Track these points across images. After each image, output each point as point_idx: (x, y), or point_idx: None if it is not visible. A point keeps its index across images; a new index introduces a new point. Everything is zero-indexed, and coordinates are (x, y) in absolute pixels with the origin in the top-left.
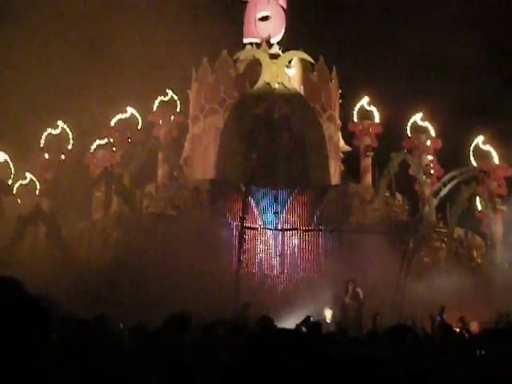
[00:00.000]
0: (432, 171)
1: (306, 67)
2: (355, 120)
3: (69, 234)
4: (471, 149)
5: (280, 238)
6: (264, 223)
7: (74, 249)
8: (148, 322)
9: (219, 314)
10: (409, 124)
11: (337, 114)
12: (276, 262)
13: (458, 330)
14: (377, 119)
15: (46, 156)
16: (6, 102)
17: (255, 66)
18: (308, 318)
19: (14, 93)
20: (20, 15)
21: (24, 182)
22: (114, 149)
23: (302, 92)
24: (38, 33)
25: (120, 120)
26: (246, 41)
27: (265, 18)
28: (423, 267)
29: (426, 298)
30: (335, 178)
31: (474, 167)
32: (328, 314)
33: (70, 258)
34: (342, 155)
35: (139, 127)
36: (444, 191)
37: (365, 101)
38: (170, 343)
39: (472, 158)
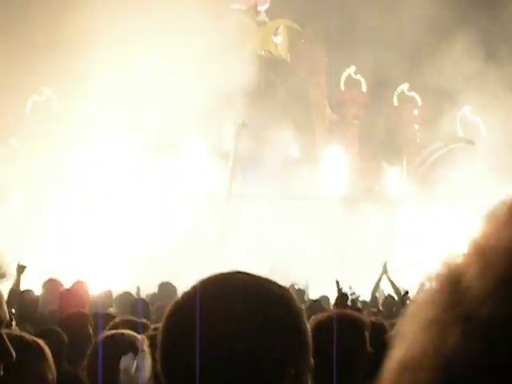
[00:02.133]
0: (418, 140)
1: (293, 35)
2: (342, 88)
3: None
4: (458, 118)
5: (266, 204)
6: (250, 190)
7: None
8: None
9: None
10: (396, 93)
11: (324, 81)
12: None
13: None
14: (364, 88)
15: (32, 123)
16: None
17: (242, 34)
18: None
19: None
20: None
21: (8, 149)
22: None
23: (288, 59)
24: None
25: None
26: (233, 7)
27: None
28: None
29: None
30: (321, 145)
31: (461, 137)
32: None
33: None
34: (328, 124)
35: None
36: (430, 160)
37: (352, 69)
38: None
39: (459, 127)
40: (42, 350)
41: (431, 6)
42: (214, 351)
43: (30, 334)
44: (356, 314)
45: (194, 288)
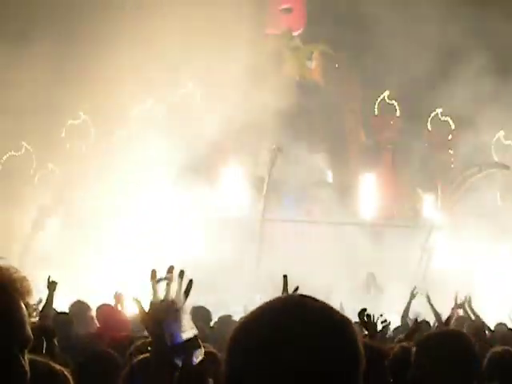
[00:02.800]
0: (453, 166)
1: (327, 60)
2: (376, 113)
3: (89, 225)
4: (493, 143)
5: (299, 229)
6: (283, 214)
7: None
8: None
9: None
10: (430, 118)
11: (358, 106)
12: (294, 252)
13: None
14: (398, 113)
15: (68, 146)
16: (29, 91)
17: (276, 59)
18: None
19: (37, 82)
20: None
21: (45, 172)
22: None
23: (322, 85)
24: (58, 23)
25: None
26: (268, 32)
27: (287, 11)
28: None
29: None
30: (355, 170)
31: (495, 162)
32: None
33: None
34: (362, 148)
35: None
36: (465, 185)
37: (386, 94)
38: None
39: (493, 152)
40: (67, 380)
41: (465, 34)
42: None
43: (72, 357)
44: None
45: (262, 308)
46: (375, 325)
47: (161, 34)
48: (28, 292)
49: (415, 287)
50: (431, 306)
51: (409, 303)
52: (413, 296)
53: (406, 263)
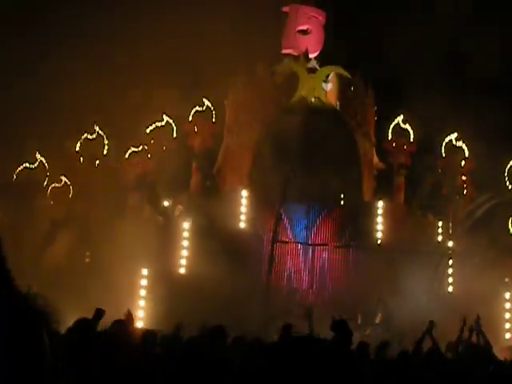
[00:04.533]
0: (465, 192)
1: (343, 82)
2: (390, 137)
3: (100, 239)
4: (506, 170)
5: (310, 252)
6: (295, 237)
7: (104, 254)
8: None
9: (247, 327)
10: (443, 143)
11: (372, 130)
12: (305, 276)
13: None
14: (411, 137)
15: (81, 160)
16: (44, 104)
17: (292, 80)
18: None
19: (52, 96)
20: (66, 26)
21: (58, 185)
22: (149, 156)
23: (337, 107)
24: (74, 39)
25: (156, 128)
26: (284, 51)
27: (304, 32)
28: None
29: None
30: (368, 195)
31: (509, 189)
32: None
33: (101, 263)
34: (375, 172)
35: (174, 136)
36: (477, 213)
37: (400, 118)
38: (202, 354)
39: (507, 179)
40: None
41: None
42: None
43: None
44: None
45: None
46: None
47: (179, 51)
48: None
49: (433, 322)
50: (431, 333)
51: (430, 335)
52: (431, 328)
53: (417, 288)
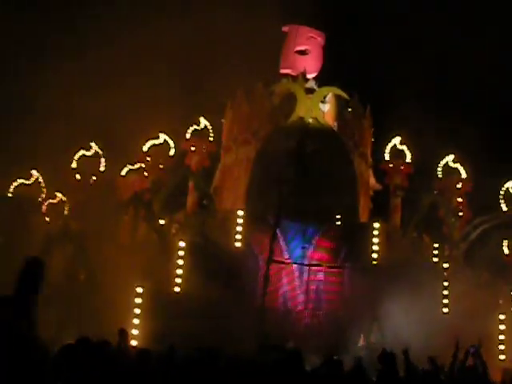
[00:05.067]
0: (461, 214)
1: (341, 103)
2: (387, 159)
3: (95, 257)
4: (501, 193)
5: (306, 273)
6: (290, 257)
7: (99, 271)
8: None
9: (241, 347)
10: (440, 165)
11: (369, 151)
12: (300, 296)
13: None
14: (408, 159)
15: (78, 177)
16: (42, 121)
17: (290, 100)
18: (331, 357)
19: (49, 112)
20: (60, 42)
21: (54, 201)
22: (146, 174)
23: (335, 128)
24: (70, 54)
25: (152, 145)
26: (282, 71)
27: (303, 52)
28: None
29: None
30: (364, 215)
31: (504, 212)
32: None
33: (95, 280)
34: (371, 193)
35: (171, 154)
36: (473, 235)
37: (397, 140)
38: (196, 375)
39: (502, 202)
40: None
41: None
42: None
43: None
44: None
45: None
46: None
47: (177, 70)
48: None
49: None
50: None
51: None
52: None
53: (412, 309)
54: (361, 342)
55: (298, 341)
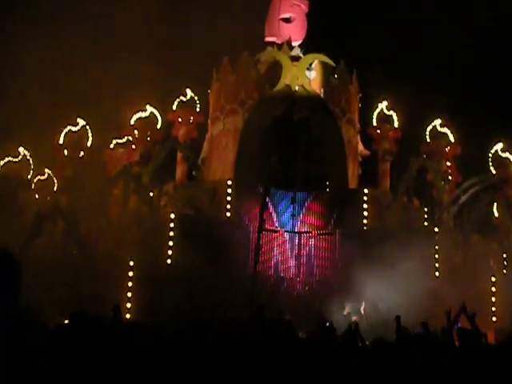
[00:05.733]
0: (450, 177)
1: (327, 70)
2: (374, 124)
3: (86, 232)
4: (490, 156)
5: (296, 240)
6: (281, 225)
7: (90, 246)
8: (165, 321)
9: (234, 315)
10: (428, 129)
11: (356, 117)
12: (292, 264)
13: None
14: (396, 124)
15: (65, 152)
16: (27, 98)
17: (276, 68)
18: (324, 322)
19: (34, 89)
20: (41, 17)
21: (42, 178)
22: (134, 147)
23: (321, 95)
24: (55, 31)
25: (140, 118)
26: (267, 39)
27: (287, 20)
28: (440, 273)
29: (443, 303)
30: (353, 181)
31: (493, 174)
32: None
33: (87, 255)
34: (360, 159)
35: (159, 126)
36: (462, 198)
37: (384, 105)
38: (190, 344)
39: (491, 165)
40: None
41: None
42: None
43: None
44: None
45: None
46: None
47: (159, 41)
48: None
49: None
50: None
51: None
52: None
53: (404, 273)
54: (346, 311)
55: (292, 308)
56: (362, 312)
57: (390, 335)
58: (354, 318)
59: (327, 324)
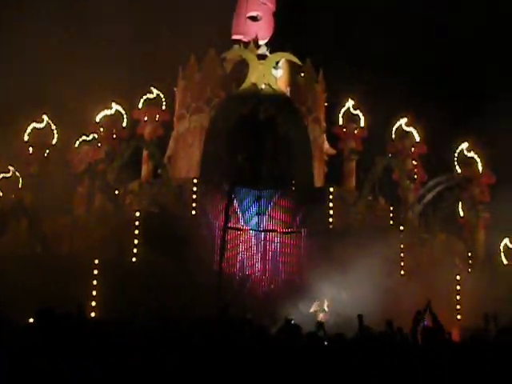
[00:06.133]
0: (416, 176)
1: (293, 69)
2: (340, 123)
3: (50, 229)
4: (455, 155)
5: (262, 238)
6: (246, 224)
7: (55, 244)
8: (131, 318)
9: (200, 314)
10: (393, 128)
11: (322, 116)
12: (257, 262)
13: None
14: (362, 123)
15: (30, 150)
16: None
17: (242, 66)
18: (289, 321)
19: None
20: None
21: (7, 176)
22: (99, 145)
23: (288, 93)
24: (21, 25)
25: (105, 116)
26: (234, 37)
27: (254, 18)
28: (405, 272)
29: (408, 301)
30: (319, 180)
31: (458, 174)
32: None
33: (51, 253)
34: (326, 158)
35: (124, 124)
36: (428, 197)
37: (350, 104)
38: (158, 342)
39: (456, 164)
40: None
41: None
42: None
43: None
44: None
45: None
46: None
47: (125, 39)
48: None
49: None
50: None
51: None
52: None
53: (369, 271)
54: (313, 308)
55: (257, 307)
56: (326, 309)
57: (354, 333)
58: (320, 316)
59: (291, 322)
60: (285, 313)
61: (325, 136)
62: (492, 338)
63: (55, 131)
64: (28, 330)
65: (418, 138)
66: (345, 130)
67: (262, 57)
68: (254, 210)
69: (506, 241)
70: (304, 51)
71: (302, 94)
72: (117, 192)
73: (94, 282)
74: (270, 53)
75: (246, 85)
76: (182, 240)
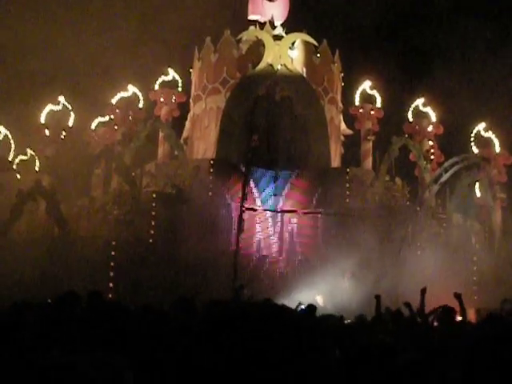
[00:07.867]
0: (432, 157)
1: (309, 49)
2: (357, 103)
3: (68, 211)
4: (472, 135)
5: (279, 219)
6: (263, 204)
7: (72, 226)
8: (149, 301)
9: (216, 294)
10: (410, 109)
11: (339, 96)
12: (274, 243)
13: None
14: (378, 103)
15: (47, 132)
16: (8, 77)
17: (258, 47)
18: (299, 304)
19: (15, 68)
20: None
21: (24, 158)
22: (116, 127)
23: (304, 74)
24: (37, 9)
25: (122, 98)
26: (250, 17)
27: None
28: (422, 252)
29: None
30: (335, 160)
31: (475, 154)
32: (319, 300)
33: (69, 235)
34: (342, 138)
35: (141, 106)
36: (444, 177)
37: (367, 84)
38: (177, 325)
39: (473, 144)
40: None
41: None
42: None
43: None
44: None
45: None
46: None
47: (143, 20)
48: None
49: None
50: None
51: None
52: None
53: (387, 253)
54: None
55: (273, 286)
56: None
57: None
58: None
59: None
60: (301, 293)
61: (341, 116)
62: (509, 319)
63: (71, 113)
64: (46, 311)
65: (434, 119)
66: (361, 110)
67: (278, 37)
68: (270, 190)
69: None
70: (320, 31)
71: (319, 74)
72: (133, 174)
73: (112, 264)
74: (286, 33)
75: (261, 66)
76: (199, 221)
